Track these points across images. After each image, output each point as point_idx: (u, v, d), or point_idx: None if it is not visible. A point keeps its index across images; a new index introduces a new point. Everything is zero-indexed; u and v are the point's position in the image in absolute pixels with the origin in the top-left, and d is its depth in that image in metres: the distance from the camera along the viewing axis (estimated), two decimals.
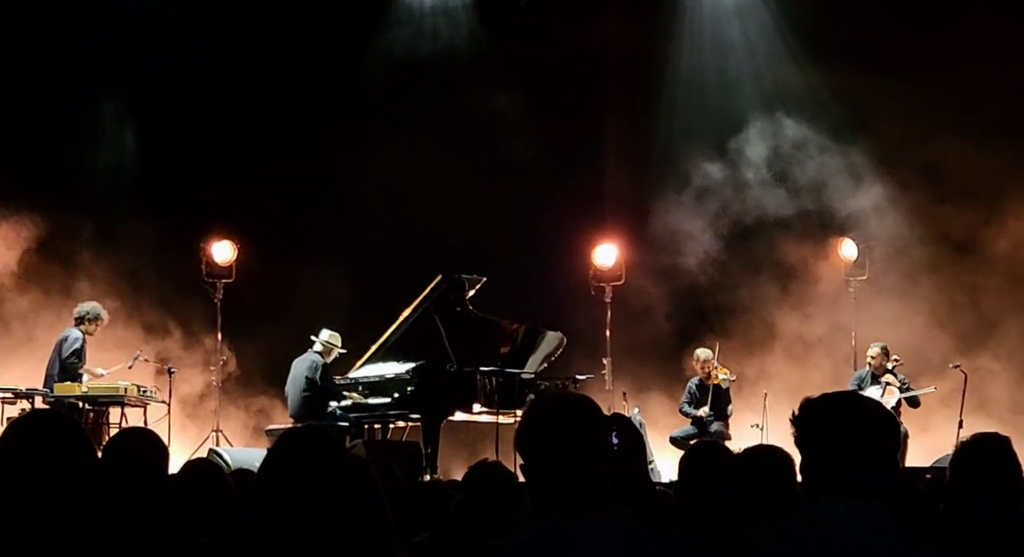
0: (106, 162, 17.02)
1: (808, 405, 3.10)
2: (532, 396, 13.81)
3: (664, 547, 2.92)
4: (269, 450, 3.21)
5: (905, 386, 14.33)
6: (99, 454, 3.56)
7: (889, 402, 14.05)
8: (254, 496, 3.15)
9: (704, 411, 14.65)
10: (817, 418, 3.07)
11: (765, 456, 4.08)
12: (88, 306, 13.67)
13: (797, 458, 3.17)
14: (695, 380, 15.01)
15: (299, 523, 2.98)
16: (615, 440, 3.24)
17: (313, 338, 14.07)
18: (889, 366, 14.42)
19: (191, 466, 4.76)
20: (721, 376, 14.76)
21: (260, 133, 16.77)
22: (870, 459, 3.00)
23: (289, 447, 3.09)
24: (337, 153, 17.28)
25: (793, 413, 3.10)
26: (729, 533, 3.32)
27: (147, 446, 4.02)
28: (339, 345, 14.05)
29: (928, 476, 6.18)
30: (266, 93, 16.98)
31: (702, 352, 14.94)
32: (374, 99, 17.79)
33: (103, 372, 13.57)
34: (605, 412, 3.06)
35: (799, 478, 3.14)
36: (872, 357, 14.49)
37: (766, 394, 15.00)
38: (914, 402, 14.28)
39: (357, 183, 17.13)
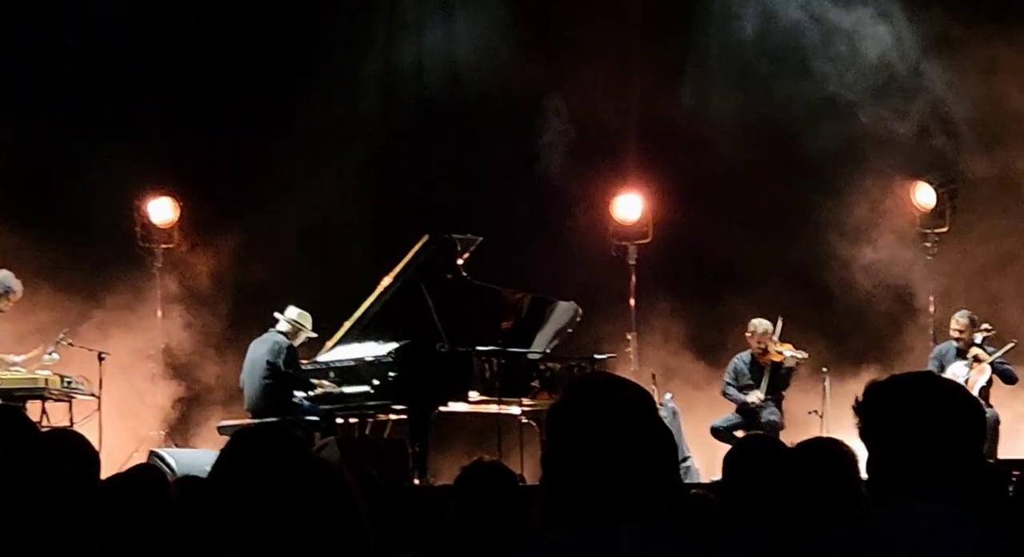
0: None
1: (875, 389, 3.10)
2: (538, 379, 13.87)
3: None
4: (219, 454, 3.22)
5: (1000, 362, 14.31)
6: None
7: (979, 381, 14.06)
8: (202, 509, 3.16)
9: (757, 396, 14.58)
10: (886, 405, 3.08)
11: (824, 452, 4.10)
12: None
13: (862, 453, 3.18)
14: (745, 356, 14.94)
15: (256, 541, 2.99)
16: None
17: (277, 315, 14.05)
18: (978, 339, 14.39)
19: (128, 474, 4.77)
20: (787, 353, 14.65)
21: (202, 67, 16.72)
22: (950, 453, 3.01)
23: (242, 450, 3.11)
24: (295, 86, 17.25)
25: (857, 399, 3.10)
26: (781, 544, 3.34)
27: (74, 452, 4.04)
28: (309, 327, 14.03)
29: (1020, 473, 6.19)
30: (208, 17, 16.93)
31: (759, 323, 14.82)
32: (338, 20, 17.77)
33: (17, 360, 13.58)
34: None
35: (864, 477, 3.15)
36: (957, 329, 14.46)
37: (826, 373, 15.01)
38: (1009, 377, 14.26)
39: (322, 123, 17.13)
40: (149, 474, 4.81)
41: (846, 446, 4.06)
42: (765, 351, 14.73)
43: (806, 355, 14.88)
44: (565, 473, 2.95)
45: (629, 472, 2.93)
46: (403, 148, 17.43)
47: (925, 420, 3.03)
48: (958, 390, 3.17)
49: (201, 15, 16.95)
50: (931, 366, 14.54)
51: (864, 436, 3.11)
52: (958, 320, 14.50)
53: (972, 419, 3.09)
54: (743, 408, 14.71)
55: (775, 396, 14.71)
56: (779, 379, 14.73)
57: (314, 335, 14.13)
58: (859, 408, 3.11)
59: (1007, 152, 16.31)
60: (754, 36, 17.38)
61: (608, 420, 2.95)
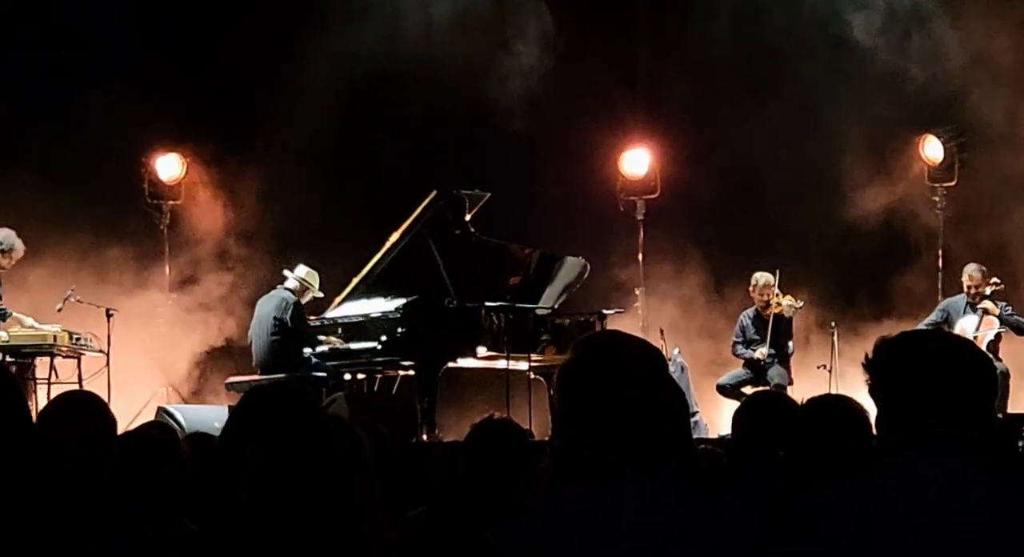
0: None
1: (884, 346, 3.10)
2: (547, 334, 13.88)
3: (709, 516, 2.95)
4: (231, 412, 3.23)
5: (1008, 314, 14.30)
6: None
7: (987, 335, 14.06)
8: (212, 465, 3.17)
9: (763, 352, 14.63)
10: (896, 361, 3.08)
11: (834, 408, 4.10)
12: None
13: (872, 410, 3.18)
14: (749, 312, 15.00)
15: (266, 497, 3.00)
16: None
17: (286, 273, 14.08)
18: (987, 291, 14.38)
19: (139, 432, 4.77)
20: (784, 303, 14.71)
21: (205, 15, 16.65)
22: (959, 409, 3.01)
23: (255, 407, 3.11)
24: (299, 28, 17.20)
25: (866, 355, 3.10)
26: (790, 498, 3.35)
27: (91, 415, 4.04)
28: (316, 286, 14.06)
29: None
30: None
31: (760, 276, 14.90)
32: None
33: (32, 322, 13.57)
34: None
35: (874, 433, 3.15)
36: (969, 281, 14.43)
37: (834, 327, 15.02)
38: (1021, 329, 14.26)
39: (328, 76, 17.08)
40: (159, 431, 4.82)
41: (856, 402, 4.07)
42: (768, 304, 14.76)
43: (802, 303, 14.91)
44: (575, 430, 2.97)
45: (638, 429, 2.95)
46: (405, 103, 17.35)
47: (935, 376, 3.03)
48: (968, 346, 3.17)
49: None
50: (933, 317, 14.55)
51: (874, 392, 3.11)
52: (970, 273, 14.47)
53: (982, 375, 3.09)
54: (751, 364, 14.74)
55: (780, 351, 14.72)
56: (781, 331, 14.75)
57: (320, 294, 14.14)
58: (869, 365, 3.11)
59: (1017, 105, 16.23)
60: None
61: (617, 377, 2.97)
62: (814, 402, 4.21)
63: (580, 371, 3.02)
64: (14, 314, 13.51)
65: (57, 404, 4.37)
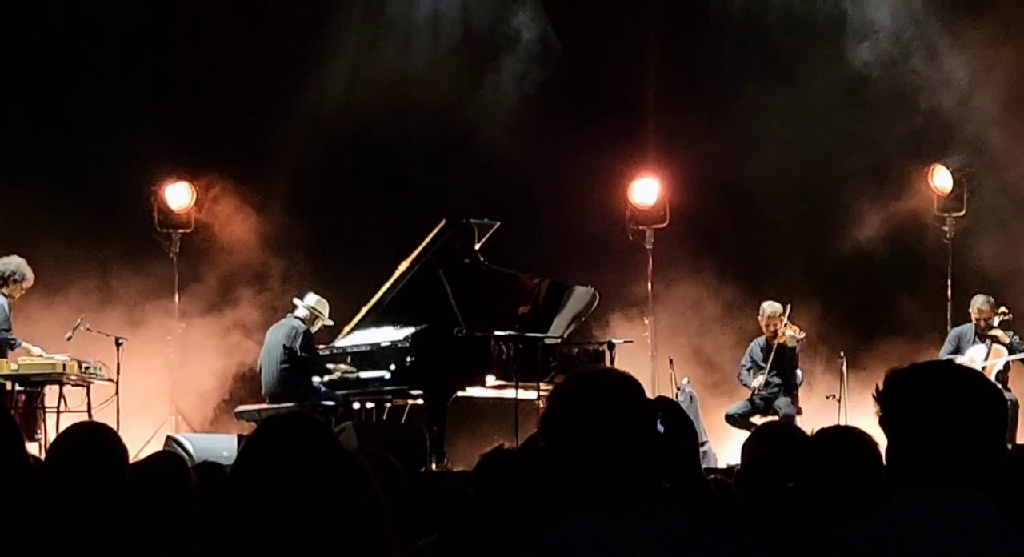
0: None
1: (894, 377, 3.11)
2: (555, 363, 13.87)
3: (719, 546, 2.95)
4: (246, 441, 3.23)
5: (1018, 343, 14.29)
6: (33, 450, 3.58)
7: (996, 364, 14.05)
8: (223, 495, 3.18)
9: (759, 382, 14.62)
10: (906, 393, 3.08)
11: (844, 440, 4.10)
12: (10, 263, 13.60)
13: (882, 440, 3.18)
14: (760, 340, 14.99)
15: (281, 526, 3.00)
16: (660, 427, 3.28)
17: (296, 301, 14.10)
18: (996, 321, 14.37)
19: (150, 462, 4.77)
20: (788, 333, 14.71)
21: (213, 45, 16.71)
22: (970, 441, 3.02)
23: (271, 437, 3.11)
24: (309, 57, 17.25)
25: (877, 387, 3.11)
26: (799, 530, 3.35)
27: (103, 446, 4.03)
28: (326, 314, 14.07)
29: None
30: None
31: (768, 305, 14.89)
32: None
33: (39, 352, 13.58)
34: (648, 385, 3.14)
35: (884, 465, 3.15)
36: (978, 311, 14.42)
37: (843, 357, 15.01)
38: None
39: (339, 102, 17.13)
40: (170, 462, 4.81)
41: (866, 434, 4.06)
42: (776, 333, 14.76)
43: (803, 334, 14.91)
44: (560, 466, 3.02)
45: (617, 461, 2.97)
46: (416, 135, 17.41)
47: (945, 409, 3.03)
48: (978, 378, 3.17)
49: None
50: (947, 347, 14.55)
51: (884, 424, 3.11)
52: (979, 305, 14.46)
53: (992, 407, 3.09)
54: (754, 393, 14.74)
55: (785, 380, 14.71)
56: (785, 361, 14.74)
57: (330, 323, 14.15)
58: (879, 396, 3.11)
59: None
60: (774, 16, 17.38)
61: (597, 421, 3.01)
62: (824, 433, 4.21)
63: (551, 416, 3.06)
64: (23, 344, 13.52)
65: (68, 435, 4.38)
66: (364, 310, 14.02)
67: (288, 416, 3.20)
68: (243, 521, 3.02)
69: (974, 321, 14.47)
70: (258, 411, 13.44)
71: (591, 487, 2.97)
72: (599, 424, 3.00)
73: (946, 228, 16.39)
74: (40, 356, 13.45)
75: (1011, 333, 14.34)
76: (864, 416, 3.56)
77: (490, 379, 13.57)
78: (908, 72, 16.76)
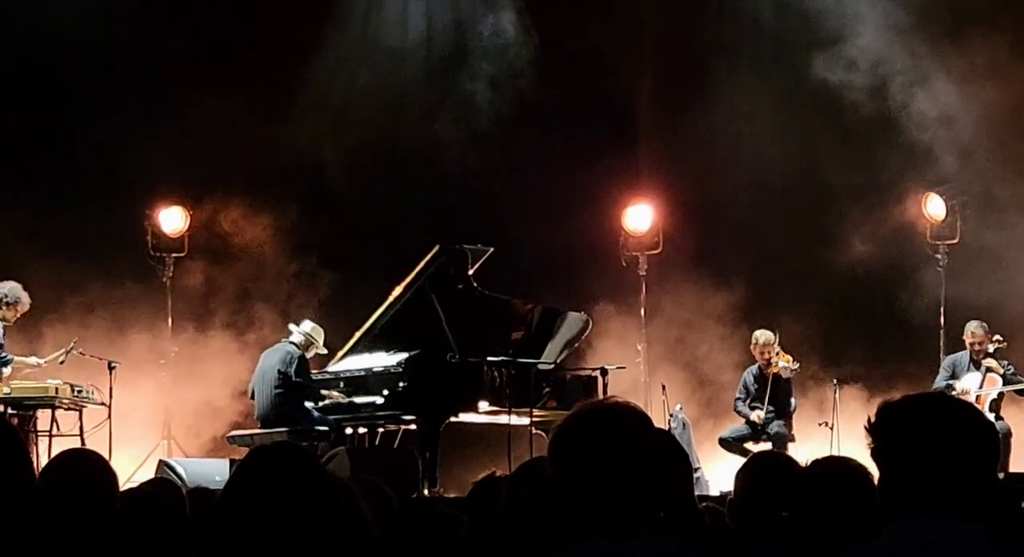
0: None
1: (887, 409, 3.11)
2: (548, 390, 13.88)
3: None
4: (235, 469, 3.23)
5: (1011, 373, 14.30)
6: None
7: (990, 393, 14.06)
8: (214, 522, 3.17)
9: (759, 415, 14.62)
10: (898, 425, 3.08)
11: (838, 470, 4.10)
12: (3, 287, 13.63)
13: (875, 471, 3.18)
14: (753, 369, 14.99)
15: (268, 554, 3.00)
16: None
17: (292, 327, 14.11)
18: (990, 348, 14.38)
19: (143, 490, 4.76)
20: (781, 364, 14.70)
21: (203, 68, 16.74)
22: (962, 472, 3.02)
23: (260, 465, 3.11)
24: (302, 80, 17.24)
25: (869, 419, 3.11)
26: None
27: (93, 474, 4.02)
28: (321, 342, 14.07)
29: None
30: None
31: (760, 334, 14.89)
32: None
33: (40, 362, 13.61)
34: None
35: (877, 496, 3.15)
36: (972, 338, 14.43)
37: (836, 384, 15.01)
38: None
39: (334, 125, 17.16)
40: (163, 490, 4.80)
41: (860, 465, 4.06)
42: (769, 362, 14.75)
43: (798, 365, 14.91)
44: (568, 494, 3.08)
45: (624, 490, 3.02)
46: (408, 159, 17.45)
47: (937, 439, 3.03)
48: (970, 410, 3.17)
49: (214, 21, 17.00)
50: (942, 375, 14.57)
51: (876, 456, 3.11)
52: (972, 330, 14.50)
53: (984, 439, 3.09)
54: (750, 423, 14.73)
55: (780, 409, 14.70)
56: (780, 390, 14.73)
57: (324, 351, 14.16)
58: (871, 428, 3.11)
59: (1018, 164, 16.29)
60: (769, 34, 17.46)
61: (604, 451, 3.08)
62: (818, 464, 4.21)
63: (570, 438, 3.12)
64: (16, 358, 13.55)
65: (58, 462, 4.37)
66: (357, 335, 14.02)
67: (276, 445, 3.21)
68: (233, 548, 3.02)
69: (968, 346, 14.50)
70: (251, 436, 13.44)
71: (595, 512, 3.02)
72: (606, 453, 3.09)
73: (939, 255, 16.41)
74: (37, 365, 13.50)
75: (1005, 363, 14.37)
76: (856, 445, 3.56)
77: (483, 405, 13.56)
78: (904, 99, 16.79)
